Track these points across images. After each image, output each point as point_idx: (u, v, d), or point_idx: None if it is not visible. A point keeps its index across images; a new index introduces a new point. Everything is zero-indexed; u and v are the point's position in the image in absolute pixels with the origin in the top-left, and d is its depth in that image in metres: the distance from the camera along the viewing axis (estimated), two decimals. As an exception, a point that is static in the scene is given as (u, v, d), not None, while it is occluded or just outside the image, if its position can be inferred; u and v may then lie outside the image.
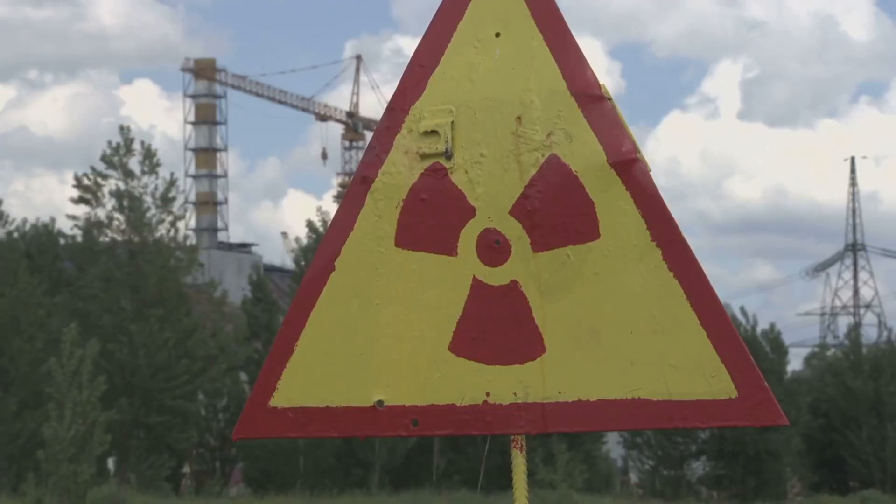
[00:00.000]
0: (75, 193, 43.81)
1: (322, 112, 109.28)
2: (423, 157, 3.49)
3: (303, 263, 48.98)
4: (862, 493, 40.53)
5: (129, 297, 42.73)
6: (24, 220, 49.14)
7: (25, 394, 40.52)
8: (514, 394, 3.39)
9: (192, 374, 43.29)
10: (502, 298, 3.41)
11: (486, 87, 3.47)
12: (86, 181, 43.23)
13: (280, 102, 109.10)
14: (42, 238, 48.55)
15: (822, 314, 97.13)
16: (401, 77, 3.53)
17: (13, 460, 40.08)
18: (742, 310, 49.81)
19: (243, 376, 47.08)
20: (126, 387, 41.70)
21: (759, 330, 49.44)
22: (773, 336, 49.42)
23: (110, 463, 43.26)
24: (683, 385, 3.29)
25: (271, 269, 78.04)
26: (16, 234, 47.58)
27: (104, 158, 43.12)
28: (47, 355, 37.94)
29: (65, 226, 49.07)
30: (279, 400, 3.52)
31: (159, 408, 42.23)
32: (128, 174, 43.13)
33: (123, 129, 43.67)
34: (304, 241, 49.49)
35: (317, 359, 3.50)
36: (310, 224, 49.14)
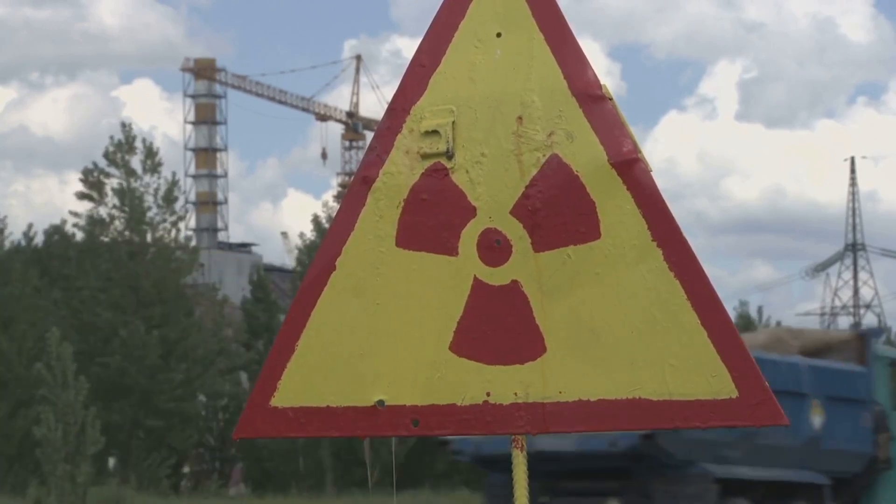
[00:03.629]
0: (79, 189, 43.66)
1: (322, 112, 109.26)
2: (424, 156, 3.49)
3: (306, 262, 49.05)
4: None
5: (128, 298, 42.68)
6: (30, 226, 49.11)
7: (20, 394, 40.54)
8: (515, 393, 3.39)
9: (190, 376, 43.24)
10: (503, 298, 3.41)
11: (487, 86, 3.47)
12: (92, 177, 43.06)
13: (280, 102, 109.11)
14: (53, 239, 48.53)
15: (822, 314, 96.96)
16: (402, 77, 3.54)
17: (12, 460, 40.09)
18: (759, 309, 49.37)
19: (243, 376, 47.07)
20: (125, 387, 41.67)
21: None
22: None
23: (111, 463, 43.26)
24: (684, 385, 3.29)
25: (271, 269, 78.05)
26: (21, 237, 47.63)
27: (107, 156, 42.90)
28: (39, 354, 38.04)
29: (70, 225, 49.22)
30: (280, 399, 3.52)
31: (156, 409, 42.19)
32: (130, 173, 42.93)
33: (125, 126, 43.46)
34: (308, 237, 49.54)
35: (317, 358, 3.50)
36: (315, 219, 49.21)
